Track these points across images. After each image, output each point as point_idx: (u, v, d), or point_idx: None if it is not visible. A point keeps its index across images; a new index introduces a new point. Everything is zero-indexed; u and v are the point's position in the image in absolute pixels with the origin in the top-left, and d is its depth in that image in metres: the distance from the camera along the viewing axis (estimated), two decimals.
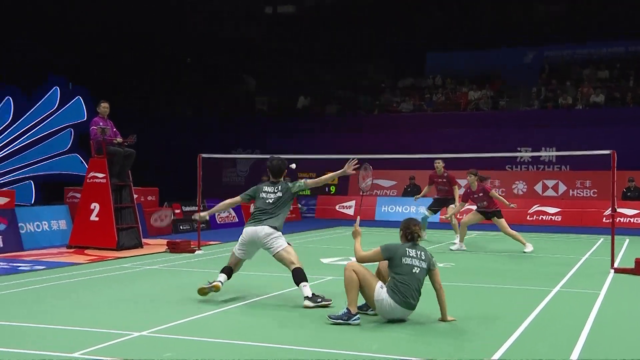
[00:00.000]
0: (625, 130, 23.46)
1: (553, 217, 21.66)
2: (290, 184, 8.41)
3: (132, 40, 29.44)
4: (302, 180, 8.60)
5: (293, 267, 7.94)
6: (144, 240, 14.26)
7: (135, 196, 14.60)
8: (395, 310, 6.85)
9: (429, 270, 6.99)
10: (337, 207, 23.44)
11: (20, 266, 11.20)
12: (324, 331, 6.58)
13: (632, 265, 10.55)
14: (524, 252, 13.32)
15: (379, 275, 7.25)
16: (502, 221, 13.69)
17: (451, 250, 13.90)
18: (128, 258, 12.26)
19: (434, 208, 15.77)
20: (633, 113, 24.87)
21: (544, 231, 18.93)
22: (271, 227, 8.06)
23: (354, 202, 23.28)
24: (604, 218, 19.84)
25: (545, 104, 26.73)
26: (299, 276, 7.86)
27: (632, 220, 20.63)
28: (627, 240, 15.88)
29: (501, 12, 31.95)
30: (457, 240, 14.22)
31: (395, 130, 26.68)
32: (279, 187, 8.35)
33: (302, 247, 12.94)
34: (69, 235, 14.03)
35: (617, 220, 13.60)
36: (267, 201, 8.24)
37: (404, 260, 6.88)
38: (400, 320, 6.89)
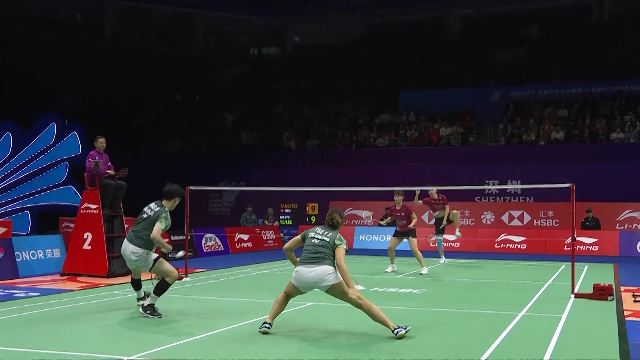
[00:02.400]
0: (583, 164, 23.79)
1: (519, 245, 21.79)
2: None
3: (125, 79, 29.53)
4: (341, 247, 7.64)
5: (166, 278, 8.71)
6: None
7: (126, 226, 14.49)
8: (301, 271, 7.42)
9: (335, 245, 7.45)
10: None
11: (15, 293, 11.07)
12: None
13: (590, 291, 10.64)
14: (420, 273, 14.14)
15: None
16: (414, 241, 14.53)
17: (421, 274, 14.17)
18: (119, 285, 12.15)
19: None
20: (590, 149, 25.24)
21: (510, 258, 19.04)
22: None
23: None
24: (565, 246, 19.96)
25: (511, 140, 27.06)
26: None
27: (590, 248, 20.81)
28: (586, 267, 15.99)
29: (470, 54, 32.54)
30: (424, 268, 14.51)
31: (372, 163, 26.83)
32: (157, 208, 8.84)
33: (284, 275, 12.91)
34: (62, 263, 13.89)
35: (577, 248, 13.78)
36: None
37: (309, 235, 7.66)
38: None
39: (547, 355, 6.52)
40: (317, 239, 7.57)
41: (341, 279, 7.39)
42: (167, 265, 8.74)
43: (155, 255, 8.74)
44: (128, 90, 30.44)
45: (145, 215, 8.79)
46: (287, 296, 7.68)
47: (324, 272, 7.36)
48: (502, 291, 11.89)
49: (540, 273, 14.80)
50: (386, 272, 14.52)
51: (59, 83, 26.96)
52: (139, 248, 8.62)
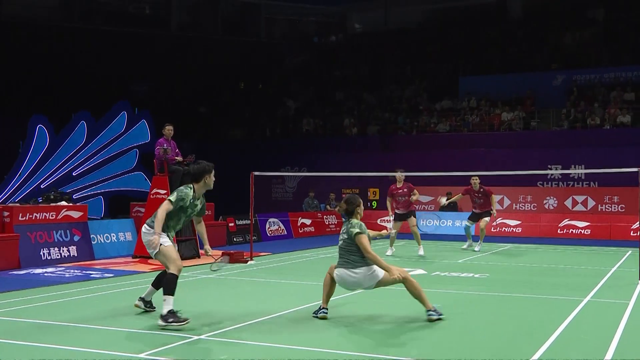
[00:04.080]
0: None
1: (582, 231, 21.20)
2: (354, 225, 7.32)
3: (192, 68, 30.00)
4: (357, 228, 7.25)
5: (168, 270, 7.05)
6: (200, 251, 14.41)
7: None
8: (340, 273, 7.19)
9: (353, 237, 7.12)
10: (378, 220, 23.33)
11: (92, 274, 11.45)
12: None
13: None
14: (419, 254, 13.99)
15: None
16: (414, 220, 14.50)
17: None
18: (187, 267, 12.38)
19: (473, 218, 15.90)
20: None
21: (573, 244, 18.56)
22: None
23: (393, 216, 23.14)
24: (632, 232, 19.34)
25: (575, 124, 26.25)
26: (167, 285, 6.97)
27: None
28: None
29: (532, 38, 31.68)
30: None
31: (432, 149, 26.51)
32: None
33: None
34: (134, 246, 14.27)
35: None
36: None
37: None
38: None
39: (615, 342, 6.32)
40: (341, 240, 7.31)
41: (381, 270, 7.13)
42: (171, 253, 7.09)
43: (165, 239, 7.13)
44: (194, 79, 30.91)
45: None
46: (333, 278, 7.43)
47: (364, 274, 7.12)
48: (565, 276, 11.59)
49: (605, 259, 14.37)
50: (387, 255, 14.20)
51: (129, 74, 27.58)
52: (147, 227, 7.22)
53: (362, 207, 7.42)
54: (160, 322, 6.78)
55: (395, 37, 35.34)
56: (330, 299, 7.52)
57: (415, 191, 14.54)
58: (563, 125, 26.59)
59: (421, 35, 35.04)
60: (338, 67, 34.87)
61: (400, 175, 14.47)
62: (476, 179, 15.48)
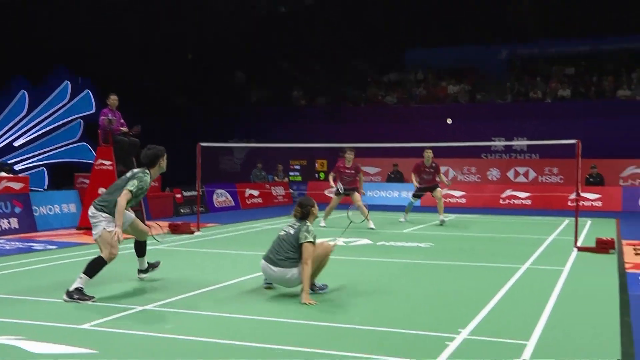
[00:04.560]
0: (588, 121, 23.58)
1: (523, 201, 21.79)
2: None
3: (138, 38, 29.29)
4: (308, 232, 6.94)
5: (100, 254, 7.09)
6: (147, 223, 14.24)
7: None
8: (263, 266, 6.94)
9: (299, 240, 6.75)
10: (325, 191, 23.46)
11: (34, 246, 11.21)
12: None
13: (593, 244, 10.67)
14: (370, 228, 13.77)
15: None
16: (358, 195, 14.32)
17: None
18: (132, 239, 12.23)
19: (419, 194, 15.88)
20: (596, 106, 25.00)
21: (515, 214, 19.07)
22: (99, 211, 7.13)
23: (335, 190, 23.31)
24: (569, 202, 19.98)
25: (517, 98, 26.81)
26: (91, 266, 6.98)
27: (593, 203, 20.78)
28: (589, 222, 16.02)
29: (477, 11, 31.98)
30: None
31: (380, 121, 26.71)
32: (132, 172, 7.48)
33: None
34: (78, 218, 14.02)
35: (581, 204, 13.73)
36: None
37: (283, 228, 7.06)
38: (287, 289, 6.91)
39: (550, 306, 6.57)
40: (284, 231, 6.95)
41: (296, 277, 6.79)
42: (110, 240, 7.05)
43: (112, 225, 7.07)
44: (141, 49, 30.22)
45: (119, 180, 7.48)
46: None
47: (282, 275, 6.82)
48: (506, 245, 11.93)
49: (545, 228, 14.83)
50: (321, 226, 14.14)
51: (73, 41, 26.73)
52: (97, 211, 7.12)
53: (316, 207, 7.10)
54: (65, 297, 6.70)
55: (344, 8, 35.20)
56: None
57: (361, 174, 14.62)
58: (507, 99, 27.11)
59: (369, 6, 34.98)
60: (286, 37, 34.60)
61: (350, 156, 14.47)
62: (430, 152, 15.28)
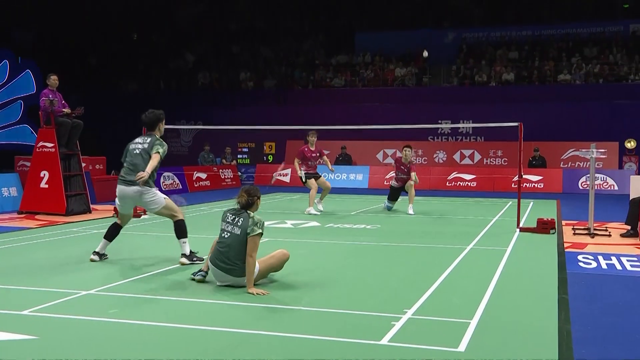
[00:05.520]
0: (531, 105, 24.13)
1: (469, 183, 22.15)
2: (157, 141, 7.61)
3: (81, 17, 28.50)
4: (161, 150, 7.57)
5: (175, 219, 7.78)
6: (92, 206, 13.97)
7: (83, 165, 14.25)
8: (213, 271, 6.49)
9: (247, 235, 6.28)
10: (273, 174, 23.41)
11: None
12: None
13: (534, 225, 10.94)
14: (310, 212, 13.56)
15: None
16: (322, 178, 14.14)
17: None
18: (77, 223, 12.01)
19: (394, 196, 14.78)
20: (538, 90, 25.57)
21: (461, 196, 19.39)
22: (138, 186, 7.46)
23: (289, 170, 23.28)
24: (513, 184, 20.39)
25: (464, 81, 27.18)
26: (180, 231, 7.72)
27: (536, 185, 21.30)
28: (532, 203, 16.40)
29: None
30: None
31: (328, 103, 26.72)
32: (148, 139, 7.70)
33: None
34: (19, 202, 13.63)
35: (523, 186, 14.07)
36: (135, 152, 7.70)
37: (221, 225, 6.49)
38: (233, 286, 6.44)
39: (492, 284, 6.71)
40: (228, 232, 6.37)
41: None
42: (172, 203, 7.81)
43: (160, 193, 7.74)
44: (84, 28, 29.41)
45: (137, 151, 7.60)
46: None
47: (237, 282, 6.40)
48: (452, 226, 12.12)
49: (489, 209, 15.13)
50: (320, 211, 13.92)
51: (12, 19, 25.84)
52: (139, 187, 7.48)
53: (260, 200, 6.66)
54: (185, 261, 7.55)
55: None
56: None
57: (325, 157, 14.40)
58: (453, 82, 27.46)
59: None
60: (234, 20, 34.20)
61: (312, 139, 14.21)
62: (408, 150, 14.34)
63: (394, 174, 14.99)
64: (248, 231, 6.24)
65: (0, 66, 19.99)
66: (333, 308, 5.73)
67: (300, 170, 14.00)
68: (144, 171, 7.36)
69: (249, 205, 6.47)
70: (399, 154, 15.16)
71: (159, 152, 7.49)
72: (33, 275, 7.10)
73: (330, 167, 14.62)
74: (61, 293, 6.23)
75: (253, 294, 6.14)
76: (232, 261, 6.32)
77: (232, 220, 6.40)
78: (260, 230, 6.29)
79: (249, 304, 5.92)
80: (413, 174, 14.26)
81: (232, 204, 6.77)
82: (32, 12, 26.40)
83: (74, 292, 6.27)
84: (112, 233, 8.08)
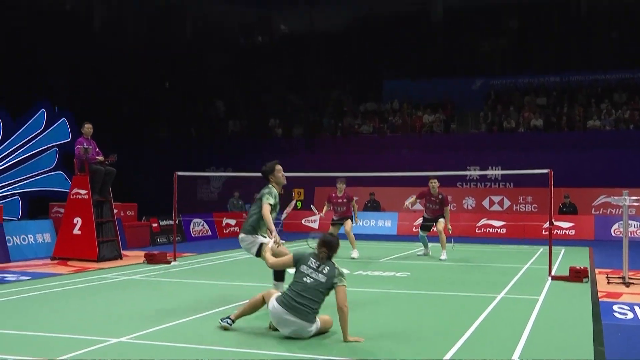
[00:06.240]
0: (560, 151, 23.94)
1: (498, 230, 21.92)
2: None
3: (113, 66, 29.28)
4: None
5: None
6: (123, 252, 14.11)
7: (115, 211, 14.45)
8: (277, 311, 6.28)
9: (334, 285, 6.38)
10: (302, 220, 23.43)
11: (6, 277, 10.99)
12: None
13: (567, 273, 10.75)
14: (352, 257, 13.79)
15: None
16: (349, 223, 14.32)
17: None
18: (108, 269, 12.11)
19: (427, 225, 14.81)
20: (567, 136, 25.40)
21: (490, 242, 19.17)
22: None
23: (318, 217, 23.28)
24: (543, 230, 20.13)
25: (492, 127, 27.14)
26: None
27: (567, 232, 20.99)
28: (563, 250, 16.14)
29: (453, 45, 32.52)
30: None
31: (356, 150, 26.83)
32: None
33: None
34: (53, 248, 13.82)
35: (554, 233, 13.87)
36: None
37: (302, 267, 6.48)
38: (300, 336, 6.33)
39: (525, 335, 6.58)
40: (311, 278, 6.41)
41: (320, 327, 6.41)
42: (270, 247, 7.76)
43: (262, 239, 7.90)
44: (118, 78, 30.16)
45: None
46: (264, 302, 6.64)
47: (302, 328, 6.31)
48: (482, 274, 11.96)
49: (519, 257, 14.92)
50: (353, 257, 13.93)
51: (49, 71, 26.63)
52: (245, 234, 8.00)
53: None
54: None
55: (321, 39, 35.57)
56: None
57: (353, 202, 14.60)
58: (481, 128, 27.43)
59: (346, 38, 35.38)
60: (264, 69, 34.80)
61: (341, 185, 14.49)
62: (435, 182, 14.41)
63: (414, 198, 15.01)
64: (335, 281, 6.37)
65: (38, 116, 20.52)
66: (364, 357, 5.66)
67: (320, 212, 14.61)
68: (253, 220, 8.00)
69: (330, 257, 6.57)
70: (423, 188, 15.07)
71: (269, 202, 7.96)
72: (66, 322, 7.15)
73: (355, 217, 14.64)
74: (94, 340, 6.25)
75: (350, 341, 6.21)
76: (304, 304, 6.29)
77: (316, 266, 6.47)
78: (345, 282, 6.43)
79: (281, 353, 5.87)
80: (445, 221, 14.22)
81: None
82: (68, 65, 27.21)
83: (106, 340, 6.28)
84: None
